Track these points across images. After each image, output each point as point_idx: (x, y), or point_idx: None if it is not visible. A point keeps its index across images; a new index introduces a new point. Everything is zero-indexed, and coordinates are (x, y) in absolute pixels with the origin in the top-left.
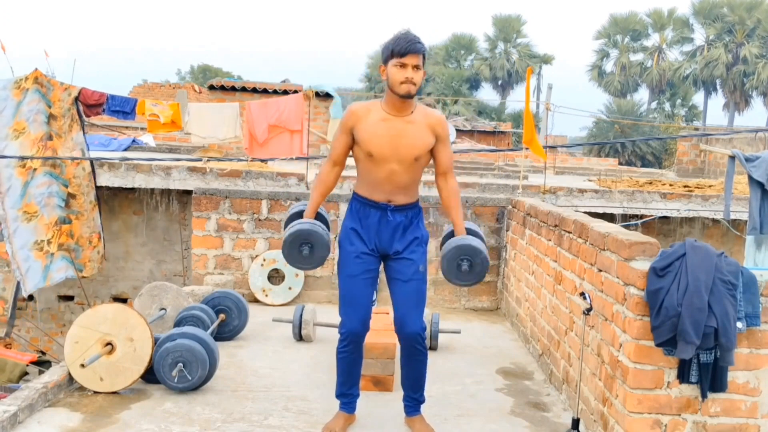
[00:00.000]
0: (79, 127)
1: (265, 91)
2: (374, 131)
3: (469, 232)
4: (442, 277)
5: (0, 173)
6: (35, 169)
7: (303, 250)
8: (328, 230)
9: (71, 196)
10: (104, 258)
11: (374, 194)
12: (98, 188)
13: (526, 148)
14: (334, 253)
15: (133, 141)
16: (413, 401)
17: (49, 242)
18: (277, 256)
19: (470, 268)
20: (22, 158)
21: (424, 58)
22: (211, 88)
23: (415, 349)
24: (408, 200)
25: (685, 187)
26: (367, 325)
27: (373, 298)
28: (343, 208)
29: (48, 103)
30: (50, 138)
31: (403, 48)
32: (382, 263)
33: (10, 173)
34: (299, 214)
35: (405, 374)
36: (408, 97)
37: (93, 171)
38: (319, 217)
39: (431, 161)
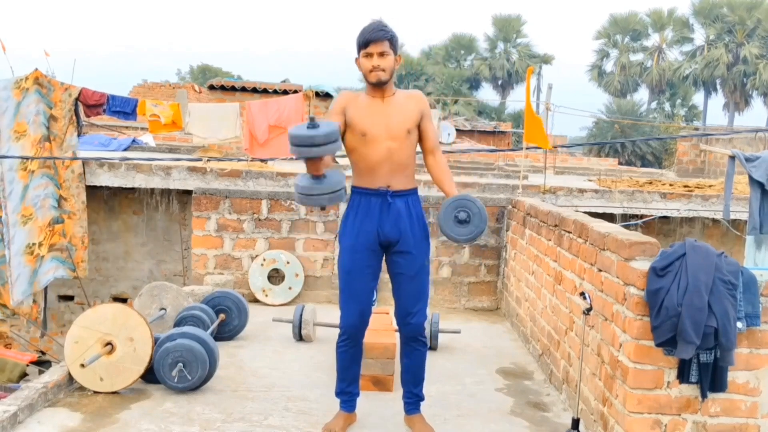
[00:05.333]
0: (75, 129)
1: (265, 91)
2: (365, 112)
3: None
4: (442, 278)
5: (4, 177)
6: (33, 171)
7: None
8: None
9: (63, 197)
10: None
11: (373, 181)
12: (92, 189)
13: (527, 147)
14: (334, 252)
15: (133, 141)
16: (413, 397)
17: (40, 245)
18: (277, 256)
19: (468, 218)
20: (23, 158)
21: (391, 43)
22: (211, 88)
23: (417, 340)
24: (406, 185)
25: (685, 187)
26: (366, 319)
27: (374, 298)
28: (344, 207)
29: (49, 104)
30: (47, 140)
31: (365, 38)
32: (384, 258)
33: (12, 176)
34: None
35: (405, 369)
36: (379, 83)
37: (84, 172)
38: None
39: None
